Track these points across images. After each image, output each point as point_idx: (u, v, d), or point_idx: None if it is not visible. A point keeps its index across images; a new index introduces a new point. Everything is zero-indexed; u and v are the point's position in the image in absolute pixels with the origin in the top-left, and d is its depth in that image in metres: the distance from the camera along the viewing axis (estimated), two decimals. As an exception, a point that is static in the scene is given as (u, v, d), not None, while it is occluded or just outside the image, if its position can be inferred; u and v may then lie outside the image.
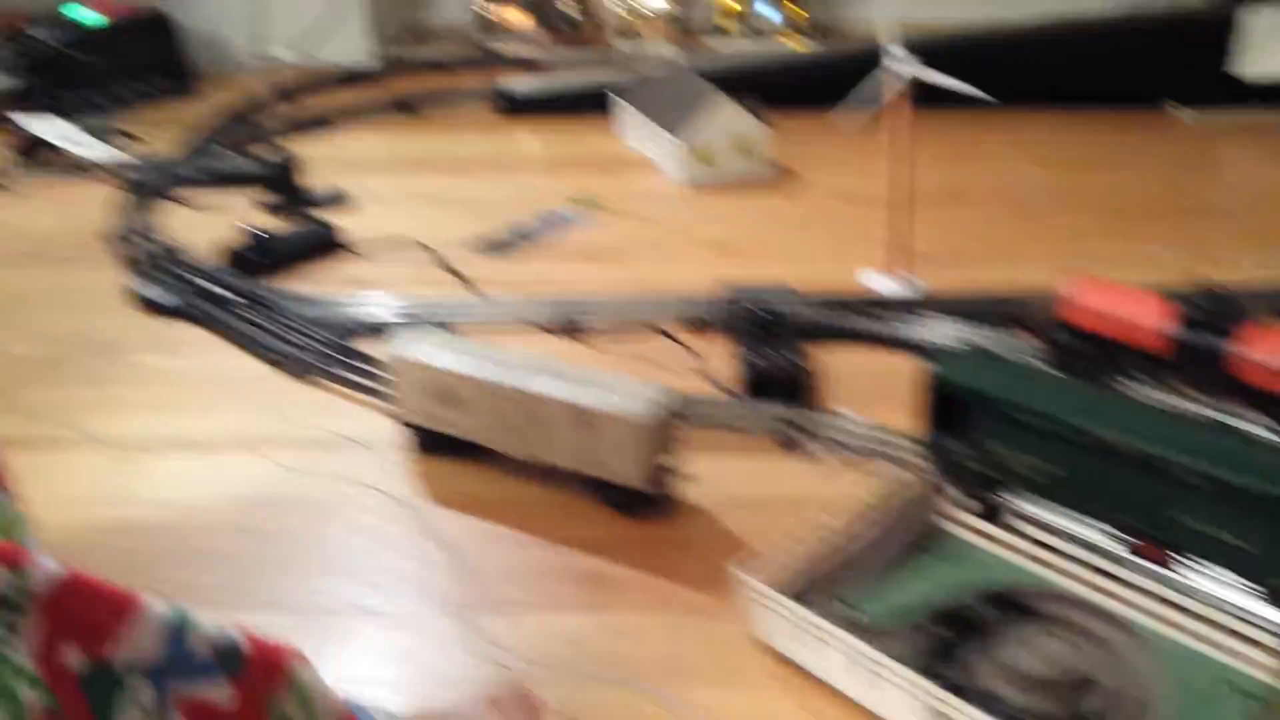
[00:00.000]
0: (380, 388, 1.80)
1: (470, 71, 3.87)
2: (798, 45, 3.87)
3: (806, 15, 3.92)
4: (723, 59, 3.43)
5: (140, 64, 3.45)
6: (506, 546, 1.50)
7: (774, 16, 3.95)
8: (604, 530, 1.52)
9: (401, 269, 2.34)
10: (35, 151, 2.92)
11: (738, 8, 3.99)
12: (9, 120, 3.02)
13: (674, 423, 1.51)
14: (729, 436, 1.70)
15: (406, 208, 2.69)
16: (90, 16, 3.38)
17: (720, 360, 1.92)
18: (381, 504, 1.61)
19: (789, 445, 1.67)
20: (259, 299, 2.11)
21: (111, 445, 1.73)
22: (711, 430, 1.70)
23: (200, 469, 1.70)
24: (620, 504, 1.52)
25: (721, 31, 3.99)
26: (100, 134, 3.01)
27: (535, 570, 1.46)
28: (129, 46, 3.44)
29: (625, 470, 1.47)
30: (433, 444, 1.65)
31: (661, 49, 3.89)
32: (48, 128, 2.97)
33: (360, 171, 2.87)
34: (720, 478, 1.60)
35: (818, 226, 2.51)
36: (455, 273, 2.26)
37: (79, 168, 2.87)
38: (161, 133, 3.18)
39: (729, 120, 2.73)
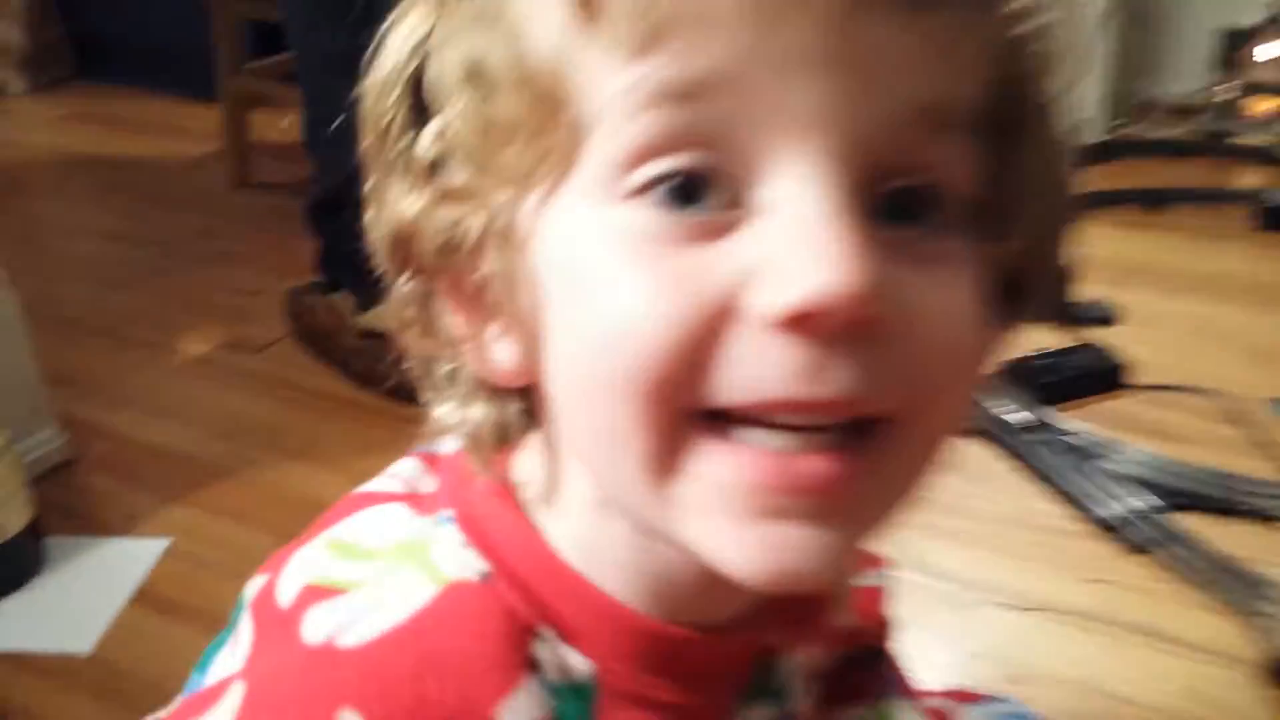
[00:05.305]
0: (1236, 591, 1.69)
1: (1201, 161, 3.61)
2: None
3: None
4: None
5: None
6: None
7: None
8: None
9: (1180, 418, 2.20)
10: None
11: None
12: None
13: None
14: None
15: (1171, 335, 2.54)
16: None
17: None
18: (1226, 730, 1.51)
19: None
20: (1055, 434, 2.08)
21: (947, 580, 1.78)
22: None
23: (1028, 626, 1.70)
24: None
25: None
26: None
27: None
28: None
29: None
30: (1306, 689, 1.52)
31: None
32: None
33: (1111, 280, 2.76)
34: None
35: None
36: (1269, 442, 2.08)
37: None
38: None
39: None
